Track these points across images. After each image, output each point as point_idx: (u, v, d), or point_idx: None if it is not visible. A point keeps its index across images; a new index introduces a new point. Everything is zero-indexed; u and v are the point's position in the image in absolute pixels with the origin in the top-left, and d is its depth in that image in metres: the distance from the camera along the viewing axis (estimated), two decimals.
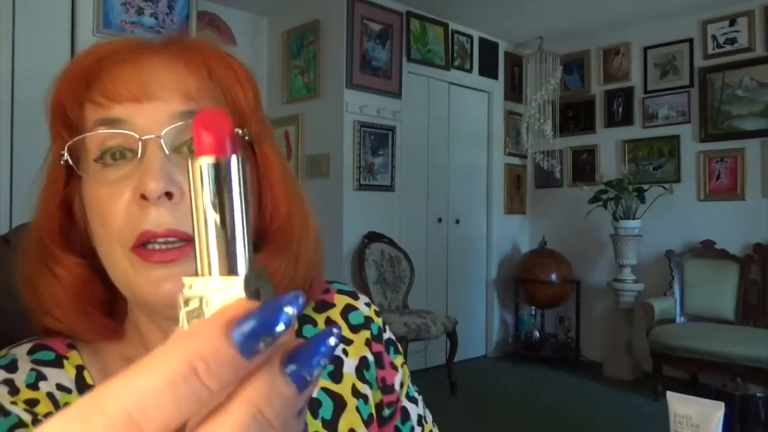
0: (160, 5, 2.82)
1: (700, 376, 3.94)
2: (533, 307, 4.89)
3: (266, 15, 4.50)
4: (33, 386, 0.49)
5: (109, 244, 0.47)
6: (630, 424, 3.40)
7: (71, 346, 0.53)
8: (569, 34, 4.84)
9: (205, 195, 0.24)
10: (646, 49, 4.60)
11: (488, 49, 4.97)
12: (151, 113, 0.47)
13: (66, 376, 0.51)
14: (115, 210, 0.46)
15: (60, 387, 0.50)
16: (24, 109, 2.38)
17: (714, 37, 4.27)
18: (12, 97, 2.37)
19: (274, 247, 0.53)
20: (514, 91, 5.15)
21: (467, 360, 4.70)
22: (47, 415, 0.47)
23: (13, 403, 0.47)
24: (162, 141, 0.46)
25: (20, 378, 0.48)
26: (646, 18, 4.47)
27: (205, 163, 0.24)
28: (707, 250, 4.18)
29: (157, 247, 0.45)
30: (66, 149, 0.49)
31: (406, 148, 4.27)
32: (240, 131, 0.51)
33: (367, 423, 0.58)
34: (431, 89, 4.54)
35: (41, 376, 0.49)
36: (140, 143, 0.46)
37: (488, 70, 4.96)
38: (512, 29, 4.82)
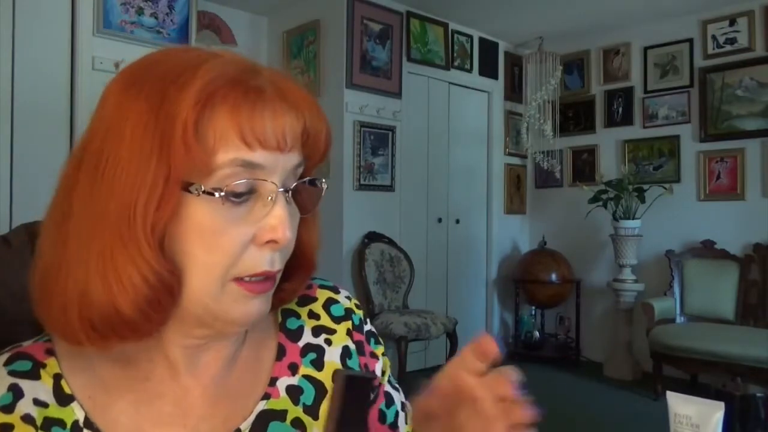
0: (160, 5, 2.82)
1: (700, 376, 3.94)
2: (533, 307, 4.89)
3: (266, 15, 4.50)
4: (9, 408, 0.48)
5: (208, 270, 0.49)
6: (630, 424, 3.40)
7: (49, 352, 0.52)
8: (569, 34, 4.84)
9: None
10: (646, 49, 4.60)
11: (488, 49, 4.97)
12: (285, 164, 0.50)
13: (43, 387, 0.50)
14: (231, 243, 0.49)
15: (37, 402, 0.50)
16: (24, 109, 2.38)
17: (714, 37, 4.27)
18: (12, 97, 2.36)
19: (302, 276, 0.60)
20: (514, 91, 5.15)
21: None
22: None
23: None
24: (289, 193, 0.51)
25: None
26: (646, 18, 4.47)
27: None
28: (707, 250, 4.18)
29: (254, 279, 0.51)
30: (202, 185, 0.47)
31: (406, 148, 4.27)
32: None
33: None
34: (431, 89, 4.54)
35: (18, 393, 0.49)
36: (276, 194, 0.50)
37: (488, 70, 4.96)
38: (512, 29, 4.82)
